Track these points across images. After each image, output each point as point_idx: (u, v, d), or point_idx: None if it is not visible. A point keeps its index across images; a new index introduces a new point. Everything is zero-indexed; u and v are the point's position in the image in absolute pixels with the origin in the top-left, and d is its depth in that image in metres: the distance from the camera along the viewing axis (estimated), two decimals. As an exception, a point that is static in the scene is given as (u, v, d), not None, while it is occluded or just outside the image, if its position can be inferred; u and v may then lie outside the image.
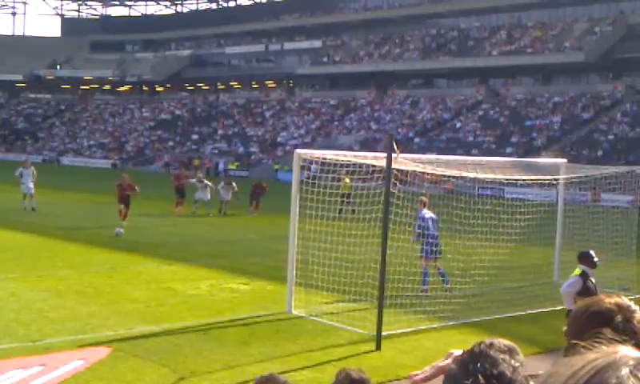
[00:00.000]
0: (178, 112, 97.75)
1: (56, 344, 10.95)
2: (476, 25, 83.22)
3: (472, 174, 15.28)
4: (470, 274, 14.91)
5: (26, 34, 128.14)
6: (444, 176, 16.06)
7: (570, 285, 10.08)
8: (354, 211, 30.83)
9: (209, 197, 31.17)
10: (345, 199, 32.76)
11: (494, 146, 62.04)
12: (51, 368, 9.96)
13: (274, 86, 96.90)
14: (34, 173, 29.67)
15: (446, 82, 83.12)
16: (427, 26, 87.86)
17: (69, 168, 71.86)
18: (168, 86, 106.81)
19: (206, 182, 31.73)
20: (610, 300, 2.10)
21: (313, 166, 16.18)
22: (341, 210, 33.70)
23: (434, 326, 12.88)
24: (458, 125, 71.02)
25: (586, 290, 9.76)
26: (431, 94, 79.55)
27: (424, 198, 16.79)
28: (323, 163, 14.04)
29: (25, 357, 10.35)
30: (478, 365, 1.89)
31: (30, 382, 9.43)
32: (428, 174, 14.92)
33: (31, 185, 29.28)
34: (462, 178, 15.91)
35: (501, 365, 1.88)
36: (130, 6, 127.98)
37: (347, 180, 36.06)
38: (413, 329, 12.60)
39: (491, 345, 1.95)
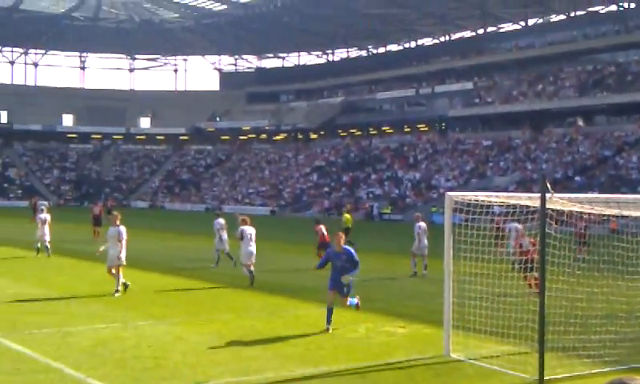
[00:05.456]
0: (332, 158, 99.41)
1: (221, 384, 11.39)
2: (635, 58, 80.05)
3: (635, 213, 14.68)
4: (636, 316, 14.30)
5: (187, 89, 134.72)
6: (603, 215, 15.52)
7: None
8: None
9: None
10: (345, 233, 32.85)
11: (660, 183, 59.26)
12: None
13: (425, 129, 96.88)
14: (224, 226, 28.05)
15: (605, 119, 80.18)
16: (583, 63, 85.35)
17: (230, 216, 74.22)
18: (321, 133, 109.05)
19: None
20: None
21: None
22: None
23: (600, 370, 12.39)
24: (620, 161, 68.27)
25: None
26: (589, 131, 77.00)
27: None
28: (475, 205, 13.90)
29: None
30: None
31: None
32: (586, 213, 14.47)
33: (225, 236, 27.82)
34: (623, 216, 15.34)
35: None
36: (283, 58, 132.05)
37: (347, 215, 35.13)
38: (577, 373, 12.17)
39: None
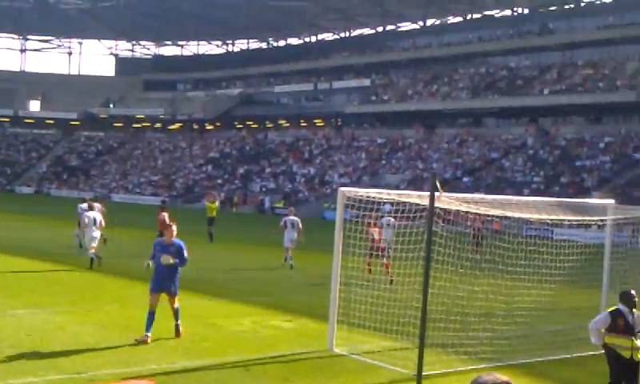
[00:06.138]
0: (227, 150, 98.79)
1: (100, 376, 11.12)
2: (525, 63, 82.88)
3: (517, 214, 15.16)
4: (513, 314, 14.78)
5: (81, 74, 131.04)
6: (488, 216, 15.97)
7: (597, 322, 10.44)
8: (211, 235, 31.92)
9: None
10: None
11: (542, 187, 61.46)
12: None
13: (322, 124, 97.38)
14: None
15: (495, 122, 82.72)
16: (476, 65, 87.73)
17: (118, 205, 72.62)
18: (218, 124, 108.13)
19: None
20: None
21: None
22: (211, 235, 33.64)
23: (477, 367, 12.74)
24: (507, 164, 70.53)
25: (614, 328, 10.18)
26: (479, 133, 79.25)
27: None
28: (367, 202, 14.05)
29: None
30: None
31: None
32: (472, 213, 14.85)
33: None
34: (506, 218, 15.83)
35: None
36: (182, 46, 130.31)
37: (212, 205, 35.44)
38: (454, 369, 12.50)
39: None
